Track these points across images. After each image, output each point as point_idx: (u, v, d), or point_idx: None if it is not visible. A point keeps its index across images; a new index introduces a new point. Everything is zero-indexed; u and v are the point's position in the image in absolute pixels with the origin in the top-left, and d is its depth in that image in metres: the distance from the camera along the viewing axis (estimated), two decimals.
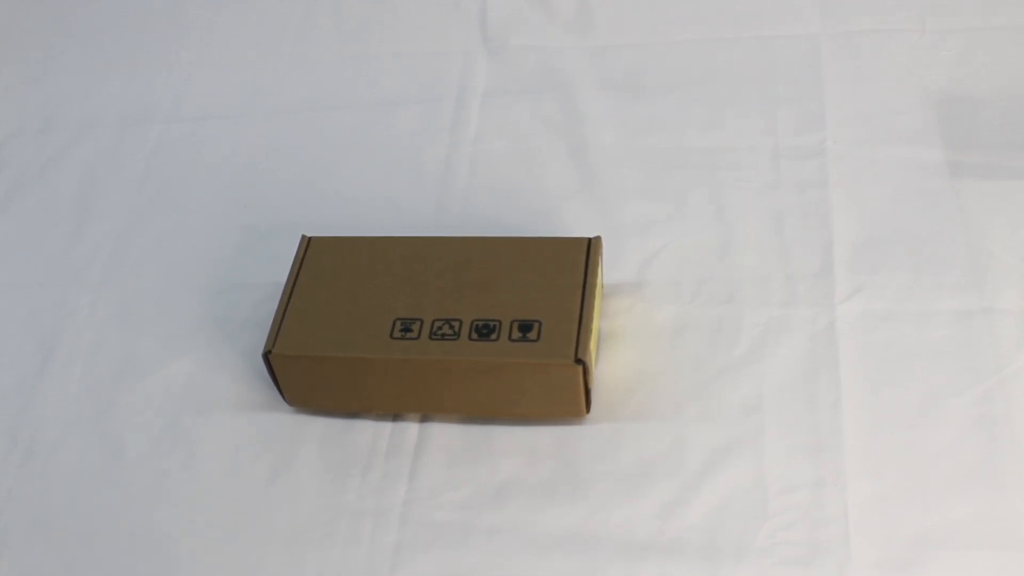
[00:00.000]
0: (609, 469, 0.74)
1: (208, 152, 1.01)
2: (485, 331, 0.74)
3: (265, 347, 0.75)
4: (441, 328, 0.74)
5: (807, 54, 0.98)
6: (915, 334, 0.79)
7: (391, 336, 0.74)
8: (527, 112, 0.99)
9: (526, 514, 0.73)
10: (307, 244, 0.82)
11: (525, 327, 0.73)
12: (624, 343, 0.81)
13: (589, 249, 0.78)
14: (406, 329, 0.74)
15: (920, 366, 0.77)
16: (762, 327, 0.80)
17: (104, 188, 0.99)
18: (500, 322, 0.74)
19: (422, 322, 0.75)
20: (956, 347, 0.78)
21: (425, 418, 0.79)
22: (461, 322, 0.74)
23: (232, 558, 0.73)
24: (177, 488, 0.77)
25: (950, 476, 0.71)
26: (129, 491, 0.77)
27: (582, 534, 0.71)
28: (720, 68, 0.99)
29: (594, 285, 0.76)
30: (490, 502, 0.74)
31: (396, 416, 0.79)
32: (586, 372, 0.72)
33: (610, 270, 0.86)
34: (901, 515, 0.70)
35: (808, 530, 0.70)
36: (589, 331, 0.73)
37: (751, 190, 0.90)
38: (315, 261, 0.80)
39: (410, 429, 0.78)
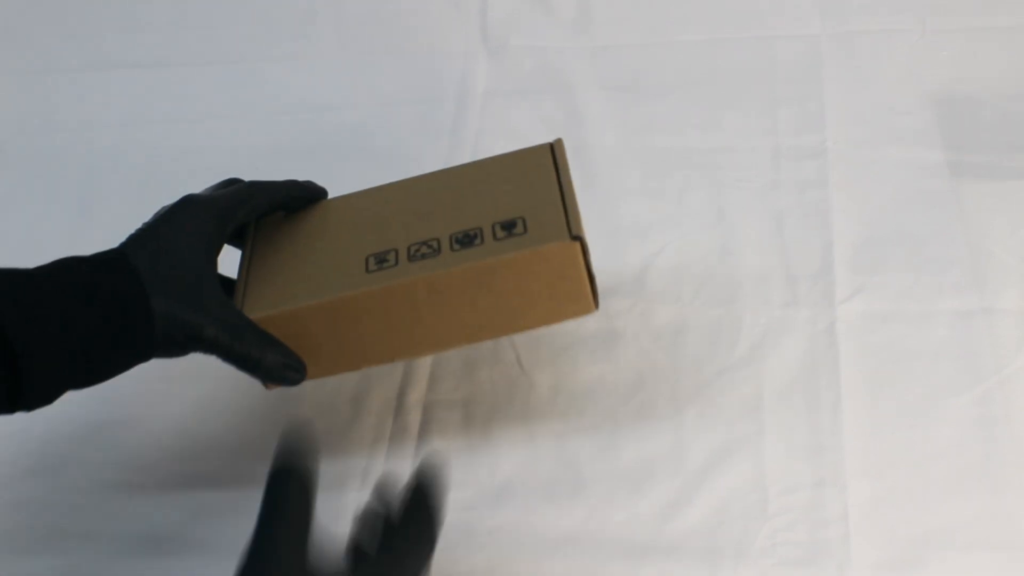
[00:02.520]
0: (609, 469, 0.74)
1: (208, 152, 1.01)
2: (466, 240, 0.67)
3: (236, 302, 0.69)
4: (419, 250, 0.68)
5: (807, 54, 0.98)
6: (915, 334, 0.79)
7: (367, 271, 0.68)
8: (527, 112, 0.99)
9: (526, 514, 0.73)
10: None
11: (508, 225, 0.67)
12: (624, 343, 0.81)
13: (553, 153, 0.73)
14: (381, 261, 0.68)
15: (920, 366, 0.77)
16: (762, 327, 0.80)
17: (104, 188, 0.99)
18: (480, 228, 0.68)
19: (397, 251, 0.68)
20: (956, 347, 0.78)
21: (425, 418, 0.79)
22: (439, 240, 0.68)
23: (232, 559, 0.73)
24: (176, 490, 0.77)
25: (950, 476, 0.71)
26: (130, 492, 0.77)
27: (582, 534, 0.71)
28: (720, 68, 0.99)
29: (569, 183, 0.70)
30: (490, 502, 0.74)
31: (396, 415, 0.79)
32: (586, 253, 0.66)
33: (610, 270, 0.86)
34: (901, 515, 0.70)
35: (808, 531, 0.70)
36: (577, 211, 0.67)
37: (751, 190, 0.90)
38: (266, 231, 0.75)
39: (410, 429, 0.78)
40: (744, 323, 0.81)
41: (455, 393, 0.80)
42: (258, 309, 0.68)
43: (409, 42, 1.07)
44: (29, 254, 0.95)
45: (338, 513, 0.75)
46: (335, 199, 0.77)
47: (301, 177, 0.97)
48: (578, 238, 0.65)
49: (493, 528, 0.72)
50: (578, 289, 0.66)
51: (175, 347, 0.65)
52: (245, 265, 0.72)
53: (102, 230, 0.95)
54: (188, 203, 0.70)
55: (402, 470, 0.76)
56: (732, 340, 0.80)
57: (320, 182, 0.96)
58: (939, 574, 0.67)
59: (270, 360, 0.66)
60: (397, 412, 0.79)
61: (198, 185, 0.97)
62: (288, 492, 0.58)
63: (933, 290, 0.81)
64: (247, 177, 0.98)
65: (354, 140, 0.99)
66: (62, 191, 0.99)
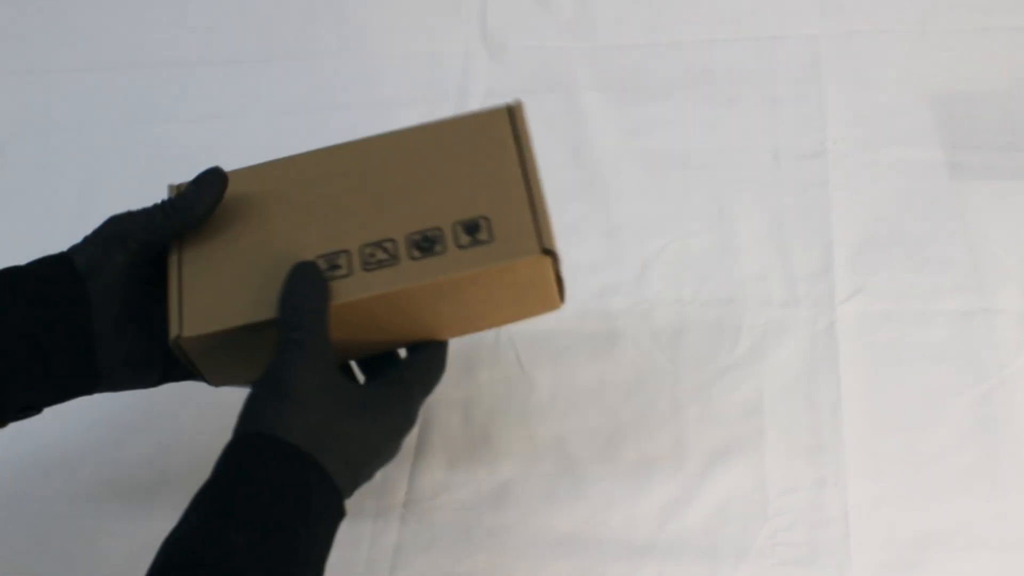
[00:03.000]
0: (609, 469, 0.74)
1: (208, 152, 1.01)
2: (426, 244, 0.62)
3: (172, 332, 0.62)
4: (374, 254, 0.62)
5: (807, 54, 0.98)
6: (915, 334, 0.79)
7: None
8: (527, 112, 0.98)
9: (526, 514, 0.73)
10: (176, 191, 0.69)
11: (471, 228, 0.62)
12: (624, 343, 0.81)
13: (513, 119, 0.67)
14: (333, 267, 0.62)
15: (920, 366, 0.77)
16: (762, 327, 0.80)
17: (104, 188, 0.99)
18: (440, 229, 0.62)
19: (349, 253, 0.62)
20: (956, 347, 0.78)
21: (425, 418, 0.79)
22: (395, 241, 0.62)
23: None
24: (177, 492, 0.77)
25: (950, 477, 0.71)
26: (128, 492, 0.77)
27: (582, 534, 0.72)
28: (720, 68, 0.99)
29: (532, 159, 0.65)
30: (490, 502, 0.74)
31: None
32: (555, 261, 0.62)
33: (610, 270, 0.86)
34: (901, 516, 0.70)
35: (808, 531, 0.70)
36: (546, 213, 0.63)
37: (751, 190, 0.90)
38: (194, 234, 0.66)
39: None
40: (744, 323, 0.81)
41: (455, 393, 0.80)
42: (200, 326, 0.62)
43: (409, 42, 1.07)
44: (29, 254, 0.95)
45: None
46: (266, 166, 0.68)
47: None
48: (549, 252, 0.61)
49: (493, 528, 0.72)
50: (545, 295, 0.64)
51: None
52: (176, 271, 0.65)
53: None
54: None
55: (401, 470, 0.76)
56: (732, 340, 0.80)
57: None
58: (939, 574, 0.67)
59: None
60: None
61: None
62: (306, 299, 0.61)
63: (933, 290, 0.81)
64: None
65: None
66: (62, 191, 0.99)
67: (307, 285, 0.61)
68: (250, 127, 1.02)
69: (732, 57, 1.00)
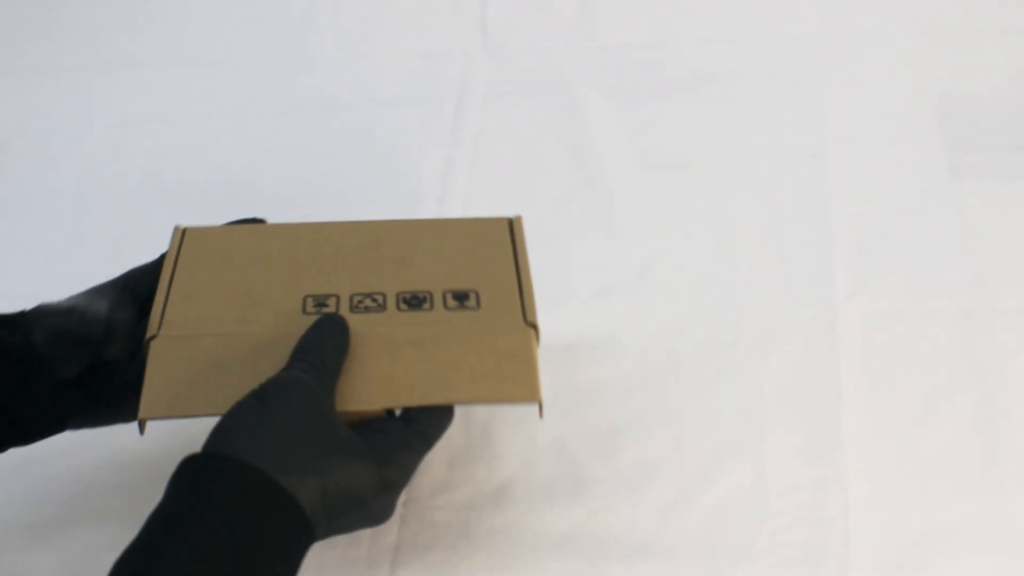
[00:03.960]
0: (609, 469, 0.74)
1: (208, 152, 1.01)
2: (415, 302, 0.64)
3: (148, 332, 0.63)
4: (363, 301, 0.64)
5: (807, 54, 0.98)
6: (915, 334, 0.79)
7: (304, 312, 0.64)
8: (527, 112, 0.99)
9: (526, 514, 0.73)
10: (182, 236, 0.70)
11: (460, 296, 0.65)
12: (624, 343, 0.81)
13: (512, 229, 0.70)
14: (320, 304, 0.64)
15: (920, 366, 0.77)
16: (762, 327, 0.80)
17: (104, 188, 0.99)
18: (431, 293, 0.65)
19: (338, 298, 0.64)
20: (956, 347, 0.78)
21: None
22: (385, 295, 0.65)
23: None
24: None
25: (950, 477, 0.71)
26: (128, 492, 0.77)
27: (582, 534, 0.71)
28: (720, 68, 0.99)
29: (525, 259, 0.68)
30: (490, 502, 0.74)
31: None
32: (537, 340, 0.64)
33: (610, 270, 0.86)
34: (901, 516, 0.70)
35: (808, 531, 0.70)
36: (532, 295, 0.65)
37: (751, 190, 0.90)
38: (194, 249, 0.69)
39: None
40: (744, 323, 0.81)
41: None
42: (178, 328, 0.64)
43: (409, 42, 1.07)
44: (29, 254, 0.95)
45: None
46: (275, 225, 0.72)
47: (302, 178, 0.97)
48: (533, 325, 0.64)
49: (493, 528, 0.72)
50: (525, 375, 0.62)
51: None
52: (167, 281, 0.67)
53: (102, 230, 0.96)
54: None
55: None
56: (732, 340, 0.80)
57: (320, 182, 0.96)
58: (939, 575, 0.67)
59: None
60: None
61: (198, 185, 0.98)
62: (322, 341, 0.61)
63: (933, 290, 0.81)
64: (247, 177, 0.98)
65: (354, 140, 0.99)
66: (62, 191, 0.99)
67: (329, 331, 0.62)
68: (250, 127, 1.02)
69: (732, 57, 1.00)
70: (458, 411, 0.79)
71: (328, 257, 0.68)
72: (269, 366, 0.61)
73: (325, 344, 0.62)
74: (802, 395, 0.76)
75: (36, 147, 1.04)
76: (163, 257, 0.69)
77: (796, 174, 0.90)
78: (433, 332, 0.63)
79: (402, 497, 0.75)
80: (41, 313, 0.66)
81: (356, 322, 0.63)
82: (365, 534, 0.73)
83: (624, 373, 0.79)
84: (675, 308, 0.83)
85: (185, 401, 0.62)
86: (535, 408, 0.63)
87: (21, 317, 0.66)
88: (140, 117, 1.05)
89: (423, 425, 0.62)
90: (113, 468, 0.77)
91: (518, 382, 0.62)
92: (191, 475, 0.56)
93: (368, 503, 0.60)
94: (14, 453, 0.68)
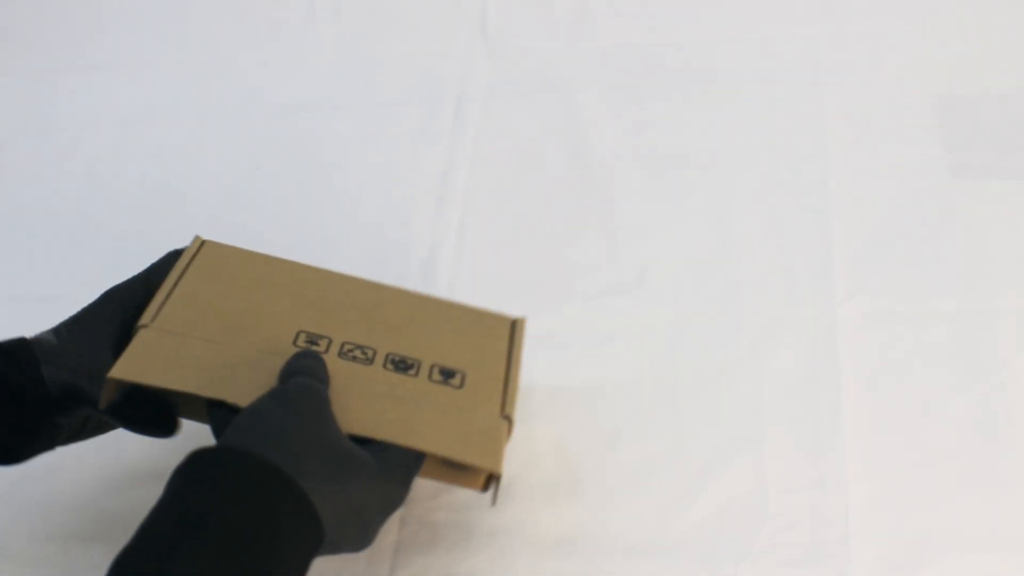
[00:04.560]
0: (609, 469, 0.74)
1: (208, 152, 1.01)
2: (402, 366, 0.66)
3: (140, 321, 0.65)
4: (352, 351, 0.66)
5: (807, 54, 0.98)
6: (915, 334, 0.79)
7: (294, 344, 0.65)
8: (527, 112, 0.99)
9: (526, 514, 0.73)
10: (200, 246, 0.72)
11: (447, 372, 0.67)
12: (624, 343, 0.81)
13: (513, 329, 0.72)
14: (312, 342, 0.65)
15: (920, 366, 0.77)
16: (762, 327, 0.80)
17: (104, 188, 0.99)
18: (420, 362, 0.67)
19: (330, 340, 0.66)
20: (956, 347, 0.78)
21: None
22: (375, 351, 0.66)
23: None
24: None
25: (950, 477, 0.71)
26: (129, 491, 0.77)
27: (582, 534, 0.71)
28: (720, 68, 0.99)
29: (518, 362, 0.70)
30: (490, 502, 0.74)
31: None
32: (509, 431, 0.66)
33: (610, 270, 0.86)
34: (901, 516, 0.70)
35: (808, 531, 0.70)
36: (515, 395, 0.68)
37: (751, 190, 0.90)
38: (208, 261, 0.70)
39: None
40: (744, 323, 0.81)
41: None
42: (171, 325, 0.64)
43: (409, 42, 1.07)
44: (29, 253, 0.95)
45: None
46: (290, 262, 0.72)
47: (301, 178, 0.97)
48: (508, 418, 0.66)
49: (493, 528, 0.72)
50: (492, 447, 0.64)
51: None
52: (174, 280, 0.68)
53: (102, 230, 0.96)
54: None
55: None
56: (732, 340, 0.80)
57: (320, 182, 0.96)
58: (939, 574, 0.67)
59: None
60: None
61: (198, 185, 0.98)
62: (313, 364, 0.61)
63: (933, 290, 0.81)
64: (247, 177, 0.98)
65: (354, 140, 0.99)
66: (62, 191, 0.99)
67: (315, 360, 0.62)
68: (250, 127, 1.02)
69: (732, 57, 1.00)
70: None
71: (331, 303, 0.69)
72: (250, 377, 0.61)
73: (316, 368, 0.62)
74: (802, 395, 0.76)
75: (36, 147, 1.04)
76: (147, 272, 0.69)
77: (796, 174, 0.90)
78: (412, 394, 0.65)
79: None
80: (48, 354, 0.64)
81: (341, 367, 0.64)
82: None
83: (624, 373, 0.79)
84: (675, 308, 0.83)
85: (159, 373, 0.62)
86: (487, 490, 0.65)
87: (25, 346, 0.65)
88: (140, 117, 1.05)
89: (403, 456, 0.61)
90: (121, 481, 0.77)
91: (483, 450, 0.64)
92: (205, 468, 0.53)
93: (369, 522, 0.59)
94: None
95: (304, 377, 0.60)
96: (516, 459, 0.76)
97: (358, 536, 0.59)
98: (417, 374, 0.66)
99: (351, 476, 0.57)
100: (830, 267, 0.83)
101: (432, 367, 0.67)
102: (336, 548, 0.58)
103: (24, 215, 0.98)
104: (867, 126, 0.92)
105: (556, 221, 0.90)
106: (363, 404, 0.63)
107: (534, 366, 0.80)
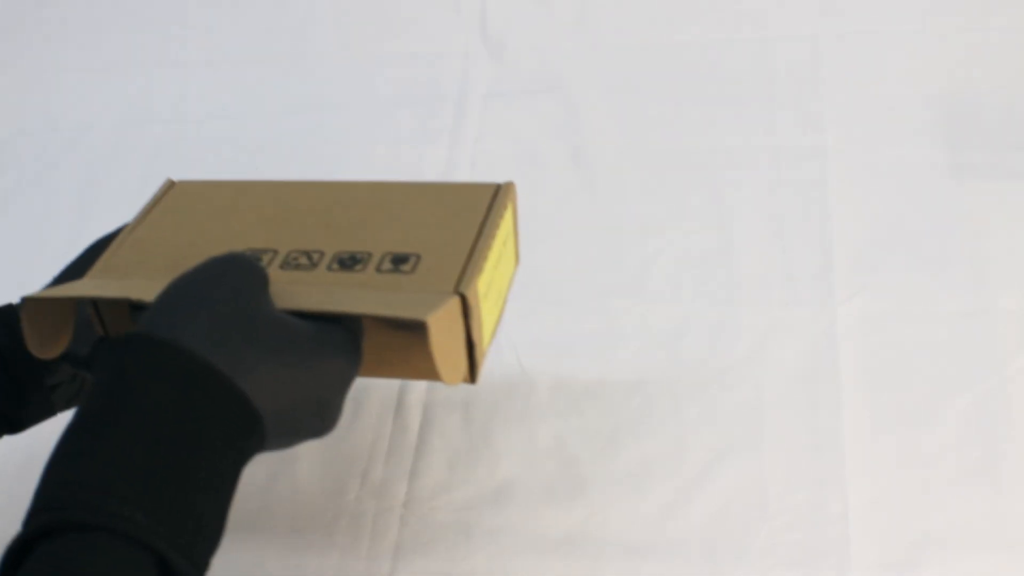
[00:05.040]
0: (609, 469, 0.74)
1: (208, 152, 1.01)
2: (350, 262, 0.61)
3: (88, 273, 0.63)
4: (297, 259, 0.61)
5: (807, 54, 0.98)
6: (915, 334, 0.79)
7: None
8: (527, 112, 0.99)
9: (526, 514, 0.73)
10: (168, 188, 0.70)
11: (399, 259, 0.60)
12: (624, 343, 0.81)
13: (495, 195, 0.65)
14: (255, 257, 0.61)
15: (920, 366, 0.77)
16: (762, 327, 0.80)
17: (104, 188, 0.99)
18: (370, 254, 0.61)
19: (276, 252, 0.62)
20: (956, 347, 0.78)
21: (425, 418, 0.79)
22: (323, 253, 0.61)
23: (232, 559, 0.73)
24: None
25: (950, 477, 0.71)
26: None
27: (582, 534, 0.71)
28: (720, 68, 0.99)
29: (494, 230, 0.62)
30: (490, 502, 0.74)
31: (396, 415, 0.79)
32: (468, 315, 0.58)
33: (610, 270, 0.86)
34: (901, 516, 0.70)
35: (808, 531, 0.70)
36: (480, 267, 0.59)
37: (751, 190, 0.90)
38: (172, 201, 0.68)
39: (410, 430, 0.78)
40: (744, 323, 0.81)
41: (455, 393, 0.80)
42: (112, 271, 0.62)
43: (409, 42, 1.07)
44: (29, 254, 0.95)
45: (338, 513, 0.75)
46: (262, 182, 0.69)
47: (301, 178, 0.97)
48: (461, 295, 0.57)
49: (493, 528, 0.72)
50: (423, 307, 0.55)
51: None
52: (131, 227, 0.67)
53: (102, 229, 0.96)
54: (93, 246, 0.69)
55: (401, 470, 0.76)
56: (732, 340, 0.80)
57: None
58: (939, 574, 0.67)
59: None
60: (397, 413, 0.79)
61: None
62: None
63: (933, 290, 0.81)
64: (247, 177, 0.98)
65: (354, 140, 0.99)
66: (62, 191, 0.99)
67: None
68: (250, 127, 1.02)
69: (732, 57, 1.00)
70: (458, 411, 0.79)
71: (293, 213, 0.65)
72: None
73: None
74: (802, 395, 0.76)
75: (36, 147, 1.04)
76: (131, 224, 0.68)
77: (796, 174, 0.90)
78: (355, 283, 0.59)
79: (402, 497, 0.75)
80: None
81: (279, 277, 0.59)
82: (365, 534, 0.73)
83: (624, 373, 0.79)
84: (675, 308, 0.83)
85: (76, 287, 0.60)
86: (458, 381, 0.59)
87: (9, 310, 0.65)
88: (140, 117, 1.05)
89: (342, 325, 0.55)
90: None
91: (415, 306, 0.55)
92: (118, 359, 0.49)
93: (326, 401, 0.53)
94: (16, 450, 0.68)
95: (234, 257, 0.55)
96: (516, 459, 0.76)
97: (316, 418, 0.54)
98: (364, 268, 0.60)
99: (289, 351, 0.51)
100: (830, 267, 0.83)
101: (384, 257, 0.61)
102: (295, 433, 0.53)
103: (24, 215, 0.98)
104: (867, 126, 0.92)
105: (556, 221, 0.90)
106: (301, 289, 0.58)
107: (534, 366, 0.80)
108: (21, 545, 0.46)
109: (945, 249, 0.83)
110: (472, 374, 0.60)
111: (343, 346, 0.54)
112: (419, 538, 0.73)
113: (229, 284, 0.53)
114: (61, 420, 0.71)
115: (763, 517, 0.71)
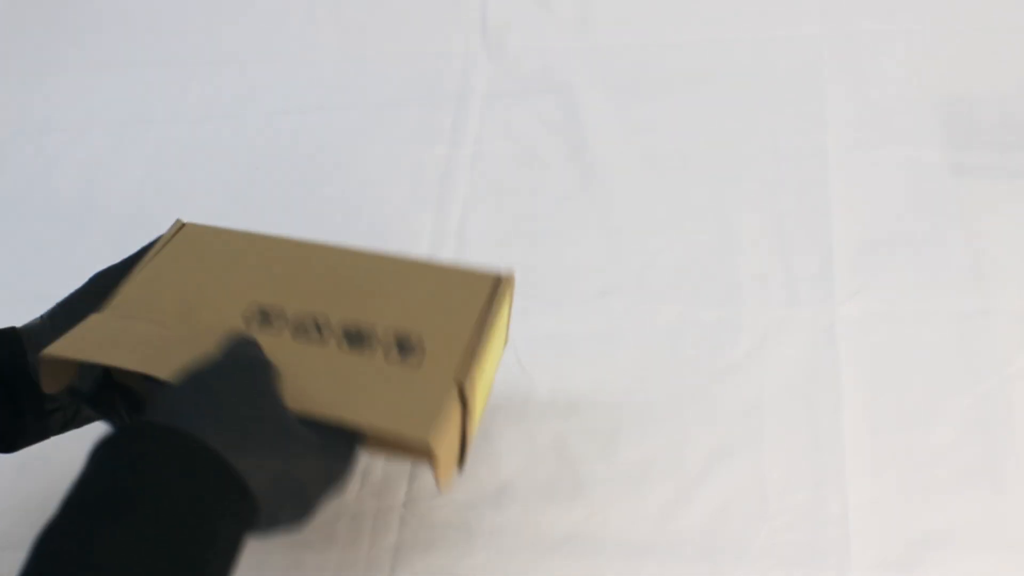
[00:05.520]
0: (609, 469, 0.74)
1: (208, 152, 1.01)
2: (357, 339, 0.63)
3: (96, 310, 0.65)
4: (306, 328, 0.63)
5: (808, 54, 0.98)
6: (915, 334, 0.79)
7: (243, 316, 0.64)
8: (527, 112, 0.99)
9: (526, 514, 0.73)
10: (178, 229, 0.71)
11: (403, 341, 0.62)
12: (624, 343, 0.81)
13: (496, 286, 0.67)
14: (263, 312, 0.64)
15: (920, 366, 0.77)
16: (762, 327, 0.80)
17: (104, 188, 0.99)
18: (375, 332, 0.63)
19: (283, 309, 0.64)
20: (956, 347, 0.78)
21: None
22: (328, 319, 0.63)
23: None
24: None
25: (950, 477, 0.71)
26: None
27: (582, 534, 0.71)
28: (720, 68, 0.99)
29: (493, 320, 0.65)
30: (490, 502, 0.74)
31: None
32: (466, 414, 0.62)
33: (610, 270, 0.86)
34: (901, 516, 0.70)
35: (808, 531, 0.70)
36: (479, 366, 0.62)
37: (751, 190, 0.90)
38: (182, 244, 0.70)
39: None
40: (744, 323, 0.81)
41: None
42: (121, 311, 0.64)
43: (409, 42, 1.07)
44: (29, 253, 0.95)
45: (338, 513, 0.75)
46: (268, 236, 0.70)
47: (301, 178, 0.97)
48: (459, 385, 0.60)
49: (493, 528, 0.72)
50: (422, 421, 0.58)
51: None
52: (141, 267, 0.68)
53: (102, 230, 0.96)
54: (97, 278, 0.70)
55: (401, 470, 0.76)
56: (732, 340, 0.80)
57: (320, 183, 0.96)
58: (939, 574, 0.67)
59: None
60: None
61: (198, 186, 0.98)
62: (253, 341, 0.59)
63: (933, 290, 0.81)
64: (247, 177, 0.98)
65: (354, 141, 0.99)
66: (62, 191, 0.99)
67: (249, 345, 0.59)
68: (250, 127, 1.02)
69: (732, 57, 1.00)
70: None
71: (297, 272, 0.67)
72: (187, 355, 0.58)
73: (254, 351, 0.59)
74: (802, 395, 0.76)
75: (36, 147, 1.04)
76: (132, 257, 0.69)
77: (796, 174, 0.90)
78: (363, 370, 0.61)
79: (402, 497, 0.75)
80: (34, 341, 0.66)
81: (293, 349, 0.61)
82: (365, 534, 0.73)
83: (624, 373, 0.79)
84: (675, 308, 0.83)
85: (91, 350, 0.61)
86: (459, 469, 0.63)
87: (13, 334, 0.66)
88: (140, 117, 1.05)
89: (343, 431, 0.58)
90: None
91: (413, 418, 0.58)
92: (131, 443, 0.51)
93: (311, 498, 0.56)
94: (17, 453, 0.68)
95: (247, 346, 0.58)
96: (516, 459, 0.76)
97: (297, 513, 0.56)
98: (371, 347, 0.62)
99: (289, 451, 0.54)
100: (830, 267, 0.83)
101: (389, 334, 0.62)
102: (274, 523, 0.55)
103: (24, 215, 0.98)
104: (867, 126, 0.92)
105: (556, 221, 0.90)
106: (310, 383, 0.60)
107: (534, 366, 0.80)
108: None
109: (945, 249, 0.83)
110: (461, 462, 0.63)
111: (340, 452, 0.57)
112: (419, 538, 0.73)
113: (246, 384, 0.56)
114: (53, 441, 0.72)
115: (763, 517, 0.71)
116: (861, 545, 0.69)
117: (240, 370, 0.56)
